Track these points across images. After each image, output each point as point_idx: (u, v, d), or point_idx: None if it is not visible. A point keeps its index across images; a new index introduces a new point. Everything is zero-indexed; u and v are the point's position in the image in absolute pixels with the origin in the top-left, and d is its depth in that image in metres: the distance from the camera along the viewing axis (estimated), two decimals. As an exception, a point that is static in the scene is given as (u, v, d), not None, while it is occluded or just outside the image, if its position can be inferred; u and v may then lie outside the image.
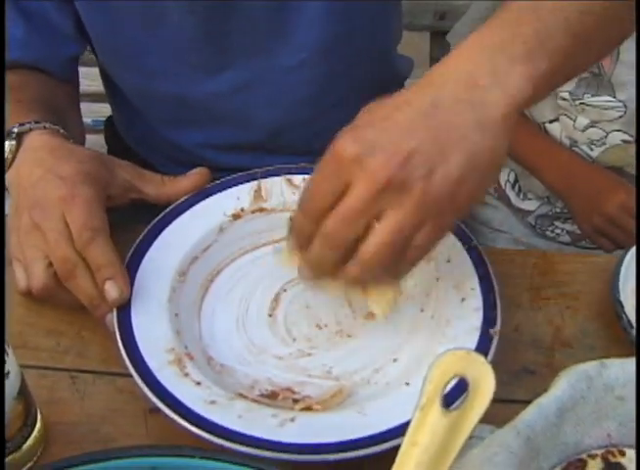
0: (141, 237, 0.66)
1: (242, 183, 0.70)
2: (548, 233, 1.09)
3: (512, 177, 1.09)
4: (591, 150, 0.98)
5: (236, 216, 0.69)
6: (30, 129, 0.68)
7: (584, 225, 1.01)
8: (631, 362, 0.52)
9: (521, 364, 0.64)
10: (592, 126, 0.96)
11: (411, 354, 0.61)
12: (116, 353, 0.59)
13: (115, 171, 0.67)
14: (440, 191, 0.51)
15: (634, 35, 0.85)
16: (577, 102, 0.94)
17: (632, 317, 0.64)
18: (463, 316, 0.61)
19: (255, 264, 0.68)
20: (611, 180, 0.98)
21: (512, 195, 1.10)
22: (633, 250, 0.68)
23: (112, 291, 0.60)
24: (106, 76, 0.89)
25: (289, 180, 0.71)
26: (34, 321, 0.65)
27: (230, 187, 0.70)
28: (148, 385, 0.56)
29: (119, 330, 0.59)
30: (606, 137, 0.96)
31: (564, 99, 0.95)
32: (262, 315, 0.64)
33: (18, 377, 0.53)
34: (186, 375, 0.57)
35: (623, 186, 0.98)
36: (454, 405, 0.47)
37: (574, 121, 0.96)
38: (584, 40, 0.56)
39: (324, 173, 0.53)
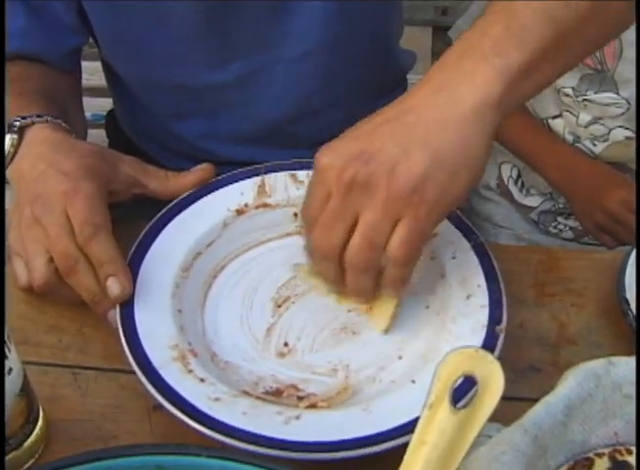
0: (144, 232, 0.65)
1: (245, 178, 0.70)
2: (551, 229, 1.09)
3: (515, 173, 1.09)
4: (594, 146, 0.98)
5: (240, 212, 0.68)
6: (32, 123, 0.67)
7: (586, 221, 1.01)
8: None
9: (526, 362, 0.64)
10: (595, 123, 0.96)
11: (416, 352, 0.61)
12: (119, 350, 0.59)
13: (118, 166, 0.66)
14: (404, 185, 0.53)
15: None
16: (580, 98, 0.94)
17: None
18: (469, 313, 0.61)
19: (259, 260, 0.67)
20: (612, 176, 0.98)
21: (515, 191, 1.09)
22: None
23: (114, 287, 0.60)
24: (108, 68, 0.88)
25: (293, 175, 0.70)
26: (36, 317, 0.65)
27: (234, 182, 0.69)
28: (151, 382, 0.56)
29: (122, 326, 0.59)
30: (609, 133, 0.96)
31: (567, 95, 0.95)
32: (266, 312, 0.64)
33: (20, 374, 0.53)
34: (190, 372, 0.57)
35: (625, 182, 0.98)
36: (462, 403, 0.47)
37: (577, 118, 0.96)
38: (572, 32, 0.56)
39: (310, 190, 0.57)
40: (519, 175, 1.09)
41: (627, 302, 0.64)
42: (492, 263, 0.64)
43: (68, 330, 0.64)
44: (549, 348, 0.65)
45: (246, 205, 0.68)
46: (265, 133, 0.85)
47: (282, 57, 0.79)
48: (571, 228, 1.08)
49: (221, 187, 0.69)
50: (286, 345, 0.62)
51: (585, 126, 0.97)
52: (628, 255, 0.67)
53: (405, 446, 0.46)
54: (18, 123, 0.67)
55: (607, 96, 0.93)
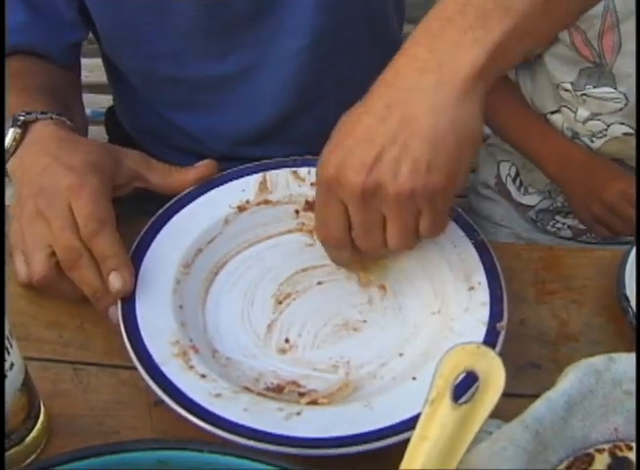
0: (145, 228, 0.65)
1: (247, 175, 0.69)
2: (549, 228, 1.09)
3: (513, 171, 1.09)
4: (592, 142, 0.98)
5: (241, 208, 0.68)
6: (37, 119, 0.67)
7: (582, 212, 1.01)
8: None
9: (526, 358, 0.64)
10: (593, 119, 0.96)
11: (417, 349, 0.61)
12: (119, 346, 0.59)
13: (122, 161, 0.66)
14: (412, 185, 0.54)
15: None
16: (579, 93, 0.94)
17: (638, 312, 0.64)
18: (470, 310, 0.61)
19: (261, 257, 0.67)
20: (610, 168, 0.98)
21: (513, 189, 1.09)
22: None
23: (115, 282, 0.60)
24: (109, 63, 0.89)
25: (294, 172, 0.70)
26: (36, 313, 0.65)
27: (235, 179, 0.69)
28: (152, 378, 0.56)
29: (124, 322, 0.59)
30: (607, 129, 0.96)
31: (566, 90, 0.95)
32: (267, 308, 0.64)
33: (21, 369, 0.53)
34: (191, 368, 0.57)
35: (623, 175, 0.98)
36: (463, 399, 0.47)
37: (575, 114, 0.96)
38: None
39: (322, 208, 0.58)
40: (517, 174, 1.09)
41: (627, 299, 0.64)
42: (493, 261, 0.64)
43: (68, 326, 0.64)
44: (549, 345, 0.65)
45: (247, 201, 0.68)
46: (266, 128, 0.85)
47: (282, 49, 0.79)
48: (569, 227, 1.08)
49: (223, 184, 0.69)
50: (287, 341, 0.62)
51: (583, 122, 0.97)
52: (628, 252, 0.67)
53: (406, 442, 0.46)
54: (22, 118, 0.67)
55: (605, 90, 0.93)
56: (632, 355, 0.52)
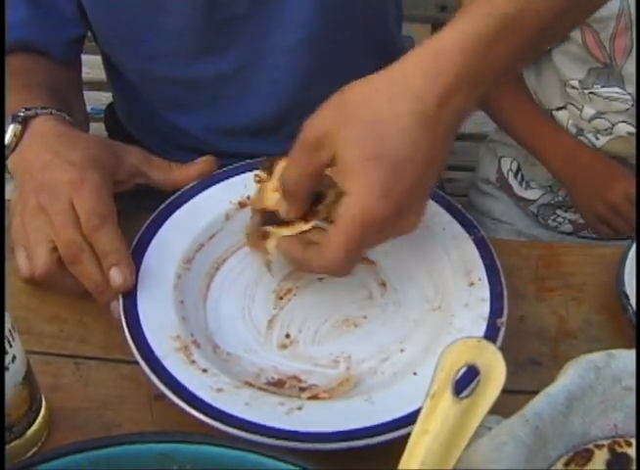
0: (147, 224, 0.65)
1: (248, 171, 0.70)
2: (550, 222, 1.09)
3: (514, 166, 1.09)
4: (596, 139, 0.99)
5: (242, 204, 0.68)
6: (36, 114, 0.67)
7: (585, 211, 1.01)
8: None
9: (526, 355, 0.64)
10: (598, 117, 0.96)
11: (418, 344, 0.61)
12: (120, 340, 0.59)
13: (123, 157, 0.67)
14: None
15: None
16: (586, 91, 0.94)
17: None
18: (470, 306, 0.61)
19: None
20: (615, 169, 0.99)
21: (514, 184, 1.10)
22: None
23: (116, 277, 0.60)
24: (107, 61, 0.89)
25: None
26: (37, 307, 0.65)
27: (236, 175, 0.69)
28: (154, 372, 0.56)
29: (125, 317, 0.59)
30: (612, 128, 0.97)
31: (573, 87, 0.95)
32: (268, 304, 0.64)
33: (23, 362, 0.53)
34: (192, 362, 0.57)
35: (627, 175, 0.98)
36: (464, 393, 0.47)
37: (581, 111, 0.97)
38: (550, 25, 0.57)
39: (297, 150, 0.58)
40: (518, 168, 1.09)
41: (627, 296, 0.65)
42: (493, 257, 0.64)
43: (69, 320, 0.64)
44: (549, 341, 0.65)
45: (248, 197, 0.68)
46: (264, 124, 0.85)
47: (278, 46, 0.79)
48: (570, 221, 1.08)
49: (224, 180, 0.69)
50: (287, 336, 0.62)
51: (589, 120, 0.97)
52: (628, 250, 0.68)
53: (407, 436, 0.46)
54: (22, 114, 0.67)
55: (613, 91, 0.93)
56: (632, 352, 0.53)
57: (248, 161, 0.71)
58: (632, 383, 0.52)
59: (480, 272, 0.63)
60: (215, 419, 0.53)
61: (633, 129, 0.95)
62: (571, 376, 0.51)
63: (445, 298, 0.63)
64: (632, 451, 0.52)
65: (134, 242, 0.64)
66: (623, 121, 0.95)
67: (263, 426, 0.53)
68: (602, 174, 0.98)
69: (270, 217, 0.61)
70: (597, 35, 0.90)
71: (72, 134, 0.66)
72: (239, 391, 0.56)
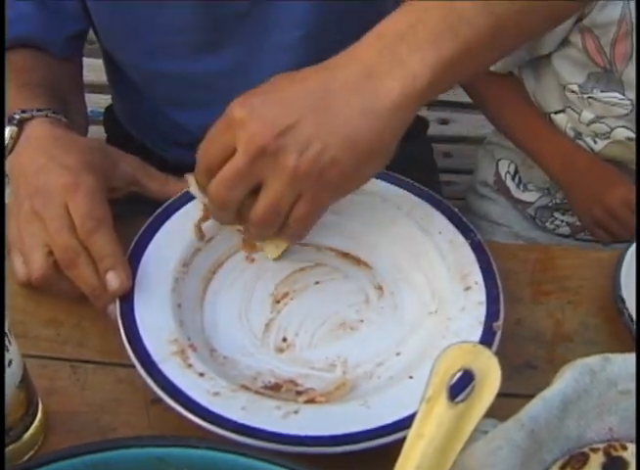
0: (144, 228, 0.65)
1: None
2: (548, 225, 1.10)
3: (512, 169, 1.09)
4: (595, 143, 0.99)
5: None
6: (32, 116, 0.67)
7: (583, 216, 1.02)
8: (634, 357, 0.52)
9: (522, 358, 0.64)
10: (597, 121, 0.96)
11: (414, 348, 0.61)
12: (117, 344, 0.59)
13: (118, 163, 0.67)
14: (311, 168, 0.54)
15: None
16: (586, 96, 0.94)
17: (634, 313, 0.64)
18: (466, 310, 0.61)
19: (258, 257, 0.67)
20: (613, 173, 0.99)
21: (512, 186, 1.10)
22: (635, 245, 0.68)
23: (113, 281, 0.60)
24: (108, 60, 0.89)
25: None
26: (34, 311, 0.65)
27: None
28: (151, 376, 0.56)
29: (122, 320, 0.59)
30: (610, 132, 0.97)
31: (572, 92, 0.95)
32: (265, 307, 0.64)
33: (20, 366, 0.53)
34: (189, 366, 0.57)
35: (625, 180, 0.99)
36: (460, 398, 0.47)
37: (580, 115, 0.97)
38: (509, 25, 0.57)
39: (214, 133, 0.58)
40: (516, 171, 1.09)
41: (623, 300, 0.65)
42: (490, 261, 0.64)
43: (66, 324, 0.65)
44: (545, 345, 0.65)
45: None
46: None
47: (277, 44, 0.79)
48: (567, 224, 1.08)
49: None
50: (284, 340, 0.62)
51: (587, 124, 0.97)
52: (624, 253, 0.68)
53: (403, 440, 0.46)
54: (17, 116, 0.67)
55: (612, 96, 0.93)
56: (628, 356, 0.53)
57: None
58: (628, 387, 0.52)
59: (477, 276, 0.63)
60: (212, 423, 0.53)
61: (632, 134, 0.95)
62: (566, 380, 0.51)
63: (442, 301, 0.63)
64: (628, 455, 0.52)
65: (131, 246, 0.64)
66: (622, 126, 0.95)
67: (260, 430, 0.53)
68: (600, 178, 0.99)
69: None
70: (598, 40, 0.90)
71: (68, 138, 0.66)
72: (235, 394, 0.56)
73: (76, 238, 0.60)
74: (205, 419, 0.53)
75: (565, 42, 0.94)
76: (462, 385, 0.48)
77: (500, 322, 0.60)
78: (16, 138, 0.67)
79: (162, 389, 0.55)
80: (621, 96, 0.93)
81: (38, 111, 0.68)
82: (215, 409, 0.54)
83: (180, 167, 0.83)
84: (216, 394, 0.55)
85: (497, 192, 1.12)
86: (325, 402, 0.57)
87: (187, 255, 0.65)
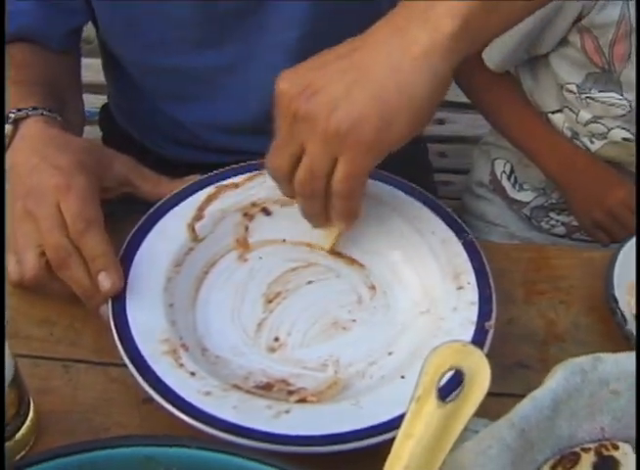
0: (137, 227, 0.65)
1: (239, 174, 0.70)
2: (543, 225, 1.10)
3: (508, 168, 1.09)
4: (591, 143, 0.99)
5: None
6: (28, 115, 0.67)
7: (582, 217, 1.01)
8: (626, 357, 0.53)
9: (514, 358, 0.64)
10: (594, 122, 0.96)
11: (407, 348, 0.61)
12: (109, 343, 0.59)
13: (112, 164, 0.67)
14: (340, 126, 0.55)
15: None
16: (584, 96, 0.94)
17: (626, 312, 0.65)
18: (458, 310, 0.61)
19: (251, 256, 0.67)
20: (613, 175, 0.99)
21: (508, 186, 1.10)
22: (628, 245, 0.68)
23: (105, 282, 0.60)
24: (107, 55, 0.89)
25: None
26: (27, 311, 0.65)
27: (227, 178, 0.69)
28: (142, 375, 0.56)
29: (114, 320, 0.59)
30: (607, 133, 0.97)
31: (570, 91, 0.95)
32: (258, 307, 0.64)
33: (11, 366, 0.53)
34: (181, 366, 0.57)
35: (625, 182, 0.99)
36: (450, 398, 0.47)
37: (577, 115, 0.97)
38: None
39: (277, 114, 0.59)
40: (512, 171, 1.09)
41: (615, 299, 0.65)
42: (482, 261, 0.64)
43: (58, 323, 0.65)
44: (537, 345, 0.65)
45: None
46: (260, 120, 0.85)
47: (274, 40, 0.79)
48: (563, 224, 1.08)
49: (213, 183, 0.69)
50: (276, 340, 0.62)
51: (585, 124, 0.97)
52: (617, 253, 0.68)
53: (394, 440, 0.46)
54: (13, 115, 0.67)
55: (610, 96, 0.94)
56: (619, 356, 0.53)
57: (240, 164, 0.71)
58: (619, 387, 0.52)
59: (470, 276, 0.63)
60: (203, 422, 0.53)
61: (629, 135, 0.95)
62: (557, 379, 0.51)
63: (434, 301, 0.63)
64: (619, 454, 0.52)
65: (124, 245, 0.64)
66: (620, 127, 0.95)
67: (251, 429, 0.53)
68: (599, 180, 0.99)
69: None
70: (596, 41, 0.91)
71: (62, 138, 0.66)
72: (227, 394, 0.56)
73: (68, 238, 0.60)
74: (195, 418, 0.53)
75: (563, 42, 0.94)
76: (453, 387, 0.48)
77: (492, 322, 0.60)
78: (11, 136, 0.67)
79: (154, 388, 0.55)
80: (619, 96, 0.93)
81: (34, 109, 0.68)
82: (206, 409, 0.54)
83: (177, 166, 0.84)
84: (207, 393, 0.55)
85: (493, 192, 1.12)
86: (316, 402, 0.57)
87: (179, 254, 0.65)
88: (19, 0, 0.75)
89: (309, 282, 0.66)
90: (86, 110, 1.17)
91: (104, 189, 0.65)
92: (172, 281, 0.63)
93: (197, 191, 0.68)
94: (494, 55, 0.98)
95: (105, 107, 1.03)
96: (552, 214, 1.09)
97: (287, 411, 0.55)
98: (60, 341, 0.64)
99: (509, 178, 1.10)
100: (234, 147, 0.84)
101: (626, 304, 0.66)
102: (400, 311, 0.64)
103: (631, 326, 0.64)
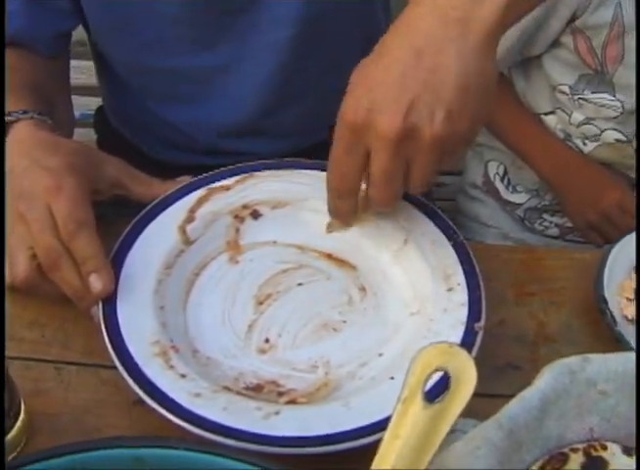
0: (128, 229, 0.65)
1: (230, 177, 0.70)
2: (537, 226, 1.10)
3: (501, 170, 1.10)
4: (584, 145, 0.99)
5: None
6: (18, 119, 0.68)
7: (576, 218, 1.02)
8: (614, 358, 0.53)
9: (505, 359, 0.64)
10: (587, 123, 0.97)
11: (397, 349, 0.61)
12: (101, 345, 0.59)
13: (103, 166, 0.67)
14: (446, 130, 0.56)
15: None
16: (576, 97, 0.95)
17: (616, 314, 0.65)
18: (448, 311, 0.61)
19: (242, 258, 0.68)
20: (607, 177, 0.99)
21: (501, 187, 1.10)
22: (618, 246, 0.69)
23: (96, 284, 0.60)
24: (98, 57, 0.89)
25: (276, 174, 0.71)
26: (19, 313, 0.65)
27: (218, 181, 0.70)
28: (132, 377, 0.56)
29: (105, 322, 0.59)
30: (600, 134, 0.97)
31: (563, 93, 0.96)
32: (248, 309, 0.64)
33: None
34: (171, 367, 0.57)
35: (620, 184, 0.99)
36: (437, 399, 0.47)
37: (570, 117, 0.97)
38: None
39: (343, 147, 0.58)
40: (505, 172, 1.10)
41: (605, 301, 0.65)
42: (472, 262, 0.64)
43: (50, 325, 0.65)
44: (528, 345, 0.66)
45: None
46: (251, 121, 0.85)
47: (267, 40, 0.80)
48: (556, 225, 1.09)
49: (205, 185, 0.69)
50: (267, 341, 0.62)
51: (577, 126, 0.98)
52: (607, 254, 0.68)
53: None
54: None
55: (602, 97, 0.94)
56: (607, 356, 0.53)
57: (229, 166, 0.71)
58: (607, 387, 0.52)
59: (460, 277, 0.63)
60: (193, 424, 0.53)
61: (622, 137, 0.96)
62: (545, 380, 0.51)
63: (424, 302, 0.63)
64: (607, 455, 0.52)
65: (115, 247, 0.64)
66: (612, 129, 0.96)
67: (240, 431, 0.53)
68: (593, 181, 0.99)
69: None
70: (589, 42, 0.91)
71: (52, 140, 0.67)
72: (216, 396, 0.56)
73: (59, 240, 0.60)
74: (185, 420, 0.54)
75: (556, 43, 0.94)
76: (440, 390, 0.48)
77: (482, 323, 0.60)
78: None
79: (144, 390, 0.55)
80: (612, 97, 0.93)
81: (24, 113, 0.68)
82: (196, 410, 0.54)
83: (171, 168, 0.84)
84: (197, 395, 0.56)
85: (486, 193, 1.13)
86: (306, 403, 0.57)
87: (170, 257, 0.65)
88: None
89: (300, 284, 0.66)
90: (81, 112, 1.18)
91: (95, 191, 0.65)
92: (163, 283, 0.63)
93: (188, 193, 0.68)
94: None
95: (99, 109, 1.03)
96: (545, 216, 1.09)
97: (276, 413, 0.55)
98: (51, 343, 0.64)
99: (502, 180, 1.10)
100: (228, 148, 0.85)
101: (616, 305, 0.66)
102: (391, 313, 0.64)
103: (621, 327, 0.64)
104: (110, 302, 0.61)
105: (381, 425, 0.53)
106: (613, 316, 0.64)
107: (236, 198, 0.69)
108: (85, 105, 1.17)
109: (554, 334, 0.67)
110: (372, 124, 0.56)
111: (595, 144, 0.98)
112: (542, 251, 0.74)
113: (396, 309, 0.64)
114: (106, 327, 0.59)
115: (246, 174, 0.70)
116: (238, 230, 0.68)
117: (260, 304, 0.65)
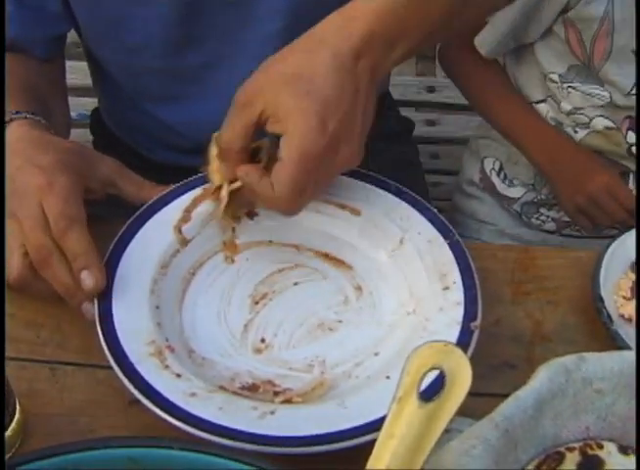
0: (124, 229, 0.65)
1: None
2: (533, 220, 1.10)
3: (497, 165, 1.10)
4: (575, 132, 1.00)
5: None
6: (11, 119, 0.68)
7: (566, 203, 1.03)
8: (609, 356, 0.53)
9: (501, 358, 0.64)
10: (576, 113, 0.98)
11: (392, 348, 0.61)
12: (96, 345, 0.59)
13: (96, 165, 0.67)
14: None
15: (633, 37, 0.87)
16: (565, 85, 0.95)
17: (612, 312, 0.65)
18: (444, 310, 0.61)
19: (237, 257, 0.68)
20: (596, 162, 1.00)
21: (497, 182, 1.11)
22: (614, 245, 0.69)
23: (87, 280, 0.60)
24: (91, 58, 0.89)
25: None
26: (14, 313, 0.65)
27: (212, 180, 0.70)
28: (128, 377, 0.56)
29: (100, 322, 0.59)
30: (589, 122, 0.98)
31: (553, 81, 0.96)
32: (244, 308, 0.64)
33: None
34: (166, 367, 0.57)
35: (607, 169, 1.00)
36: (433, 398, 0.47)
37: (559, 105, 0.98)
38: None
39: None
40: (501, 167, 1.10)
41: (602, 299, 0.65)
42: (468, 261, 0.64)
43: (46, 326, 0.65)
44: (524, 344, 0.66)
45: None
46: None
47: (259, 34, 0.79)
48: (553, 219, 1.09)
49: (200, 185, 0.69)
50: (263, 341, 0.62)
51: (567, 114, 0.98)
52: (603, 253, 0.68)
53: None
54: None
55: (592, 87, 0.95)
56: (603, 355, 0.53)
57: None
58: (603, 386, 0.52)
59: (455, 276, 0.63)
60: (188, 424, 0.53)
61: (610, 124, 0.97)
62: (541, 379, 0.51)
63: (420, 302, 0.63)
64: (603, 453, 0.52)
65: (111, 247, 0.64)
66: (600, 116, 0.97)
67: (236, 430, 0.53)
68: (582, 165, 1.00)
69: None
70: (579, 34, 0.92)
71: (45, 139, 0.66)
72: (212, 395, 0.56)
73: (50, 237, 0.60)
74: (181, 420, 0.54)
75: (548, 32, 0.95)
76: (435, 390, 0.48)
77: (478, 322, 0.60)
78: None
79: (139, 390, 0.55)
80: (600, 88, 0.94)
81: (17, 113, 0.68)
82: (192, 410, 0.54)
83: (167, 169, 0.84)
84: (193, 394, 0.56)
85: (483, 190, 1.13)
86: (302, 403, 0.57)
87: (166, 256, 0.65)
88: None
89: (296, 283, 0.66)
90: (78, 112, 1.17)
91: (88, 190, 0.65)
92: (159, 283, 0.63)
93: (183, 193, 0.68)
94: (486, 40, 0.99)
95: (95, 111, 1.03)
96: (542, 210, 1.09)
97: (272, 412, 0.55)
98: (46, 343, 0.64)
99: (498, 174, 1.10)
100: None
101: (613, 303, 0.66)
102: (386, 312, 0.64)
103: (617, 326, 0.64)
104: (105, 301, 0.60)
105: (376, 424, 0.53)
106: (609, 315, 0.64)
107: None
108: (81, 105, 1.17)
109: (550, 333, 0.66)
110: (254, 104, 0.59)
111: (586, 132, 0.99)
112: (538, 250, 0.74)
113: (392, 309, 0.64)
114: (101, 327, 0.59)
115: None
116: (234, 230, 0.68)
117: (256, 303, 0.65)
